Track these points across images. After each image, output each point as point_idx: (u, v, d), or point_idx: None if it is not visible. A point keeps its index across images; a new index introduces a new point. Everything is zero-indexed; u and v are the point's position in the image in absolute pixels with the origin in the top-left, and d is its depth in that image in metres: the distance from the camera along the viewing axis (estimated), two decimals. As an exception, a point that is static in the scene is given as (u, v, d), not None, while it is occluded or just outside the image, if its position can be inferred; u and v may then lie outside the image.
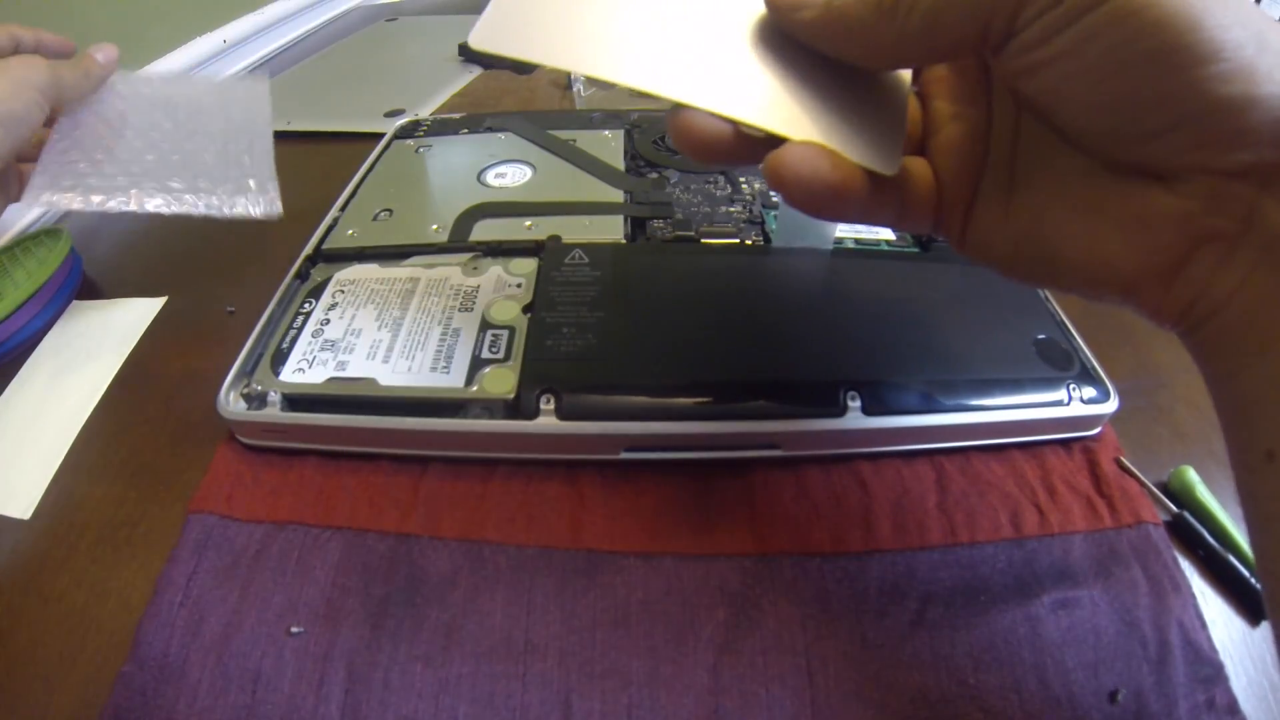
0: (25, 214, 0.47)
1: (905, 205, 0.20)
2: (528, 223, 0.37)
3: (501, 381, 0.28)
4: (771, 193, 0.40)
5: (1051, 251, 0.19)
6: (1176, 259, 0.17)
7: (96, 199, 0.32)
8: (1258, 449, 0.16)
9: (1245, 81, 0.15)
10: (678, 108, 0.18)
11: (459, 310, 0.32)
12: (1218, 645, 0.24)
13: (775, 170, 0.18)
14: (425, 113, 0.58)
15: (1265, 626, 0.25)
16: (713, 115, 0.18)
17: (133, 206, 0.34)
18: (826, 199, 0.18)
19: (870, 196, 0.18)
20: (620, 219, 0.37)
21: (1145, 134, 0.16)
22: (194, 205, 0.35)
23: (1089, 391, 0.30)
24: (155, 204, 0.34)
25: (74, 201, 0.32)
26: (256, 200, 0.37)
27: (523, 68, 0.67)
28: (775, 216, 0.37)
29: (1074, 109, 0.17)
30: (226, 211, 0.35)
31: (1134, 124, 0.16)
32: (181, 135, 0.38)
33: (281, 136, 0.39)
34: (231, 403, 0.29)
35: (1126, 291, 0.18)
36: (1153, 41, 0.15)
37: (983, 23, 0.16)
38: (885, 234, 0.37)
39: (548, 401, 0.28)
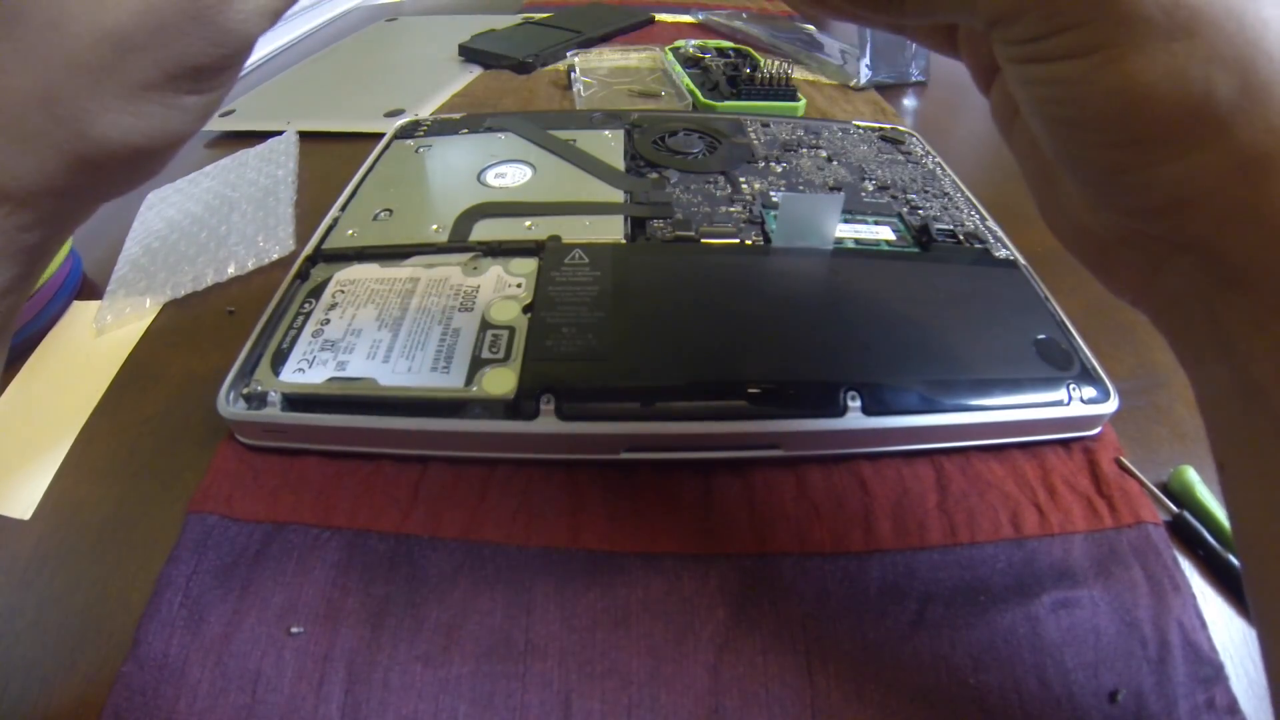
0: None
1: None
2: (528, 223, 0.37)
3: (501, 381, 0.28)
4: (771, 193, 0.40)
5: (1031, 189, 0.20)
6: (1105, 265, 0.18)
7: None
8: (1216, 458, 0.17)
9: (1159, 171, 0.14)
10: None
11: (459, 310, 0.32)
12: (1218, 645, 0.24)
13: None
14: (425, 113, 0.58)
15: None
16: None
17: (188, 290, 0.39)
18: None
19: None
20: (620, 219, 0.37)
21: (1081, 181, 0.17)
22: (235, 270, 0.40)
23: (1089, 391, 0.30)
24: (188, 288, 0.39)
25: None
26: (273, 241, 0.42)
27: (523, 67, 0.67)
28: (775, 216, 0.37)
29: (1034, 128, 0.17)
30: (250, 265, 0.41)
31: (1070, 171, 0.17)
32: (227, 208, 0.43)
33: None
34: (231, 403, 0.29)
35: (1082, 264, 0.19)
36: (1099, 110, 0.15)
37: (966, 13, 0.16)
38: (885, 234, 0.37)
39: (548, 401, 0.28)
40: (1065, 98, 0.15)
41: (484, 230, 0.37)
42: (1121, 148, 0.15)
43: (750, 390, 0.28)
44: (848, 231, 0.37)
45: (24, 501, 0.29)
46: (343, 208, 0.40)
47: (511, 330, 0.31)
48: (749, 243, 0.36)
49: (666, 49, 0.68)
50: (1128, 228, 0.17)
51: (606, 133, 0.46)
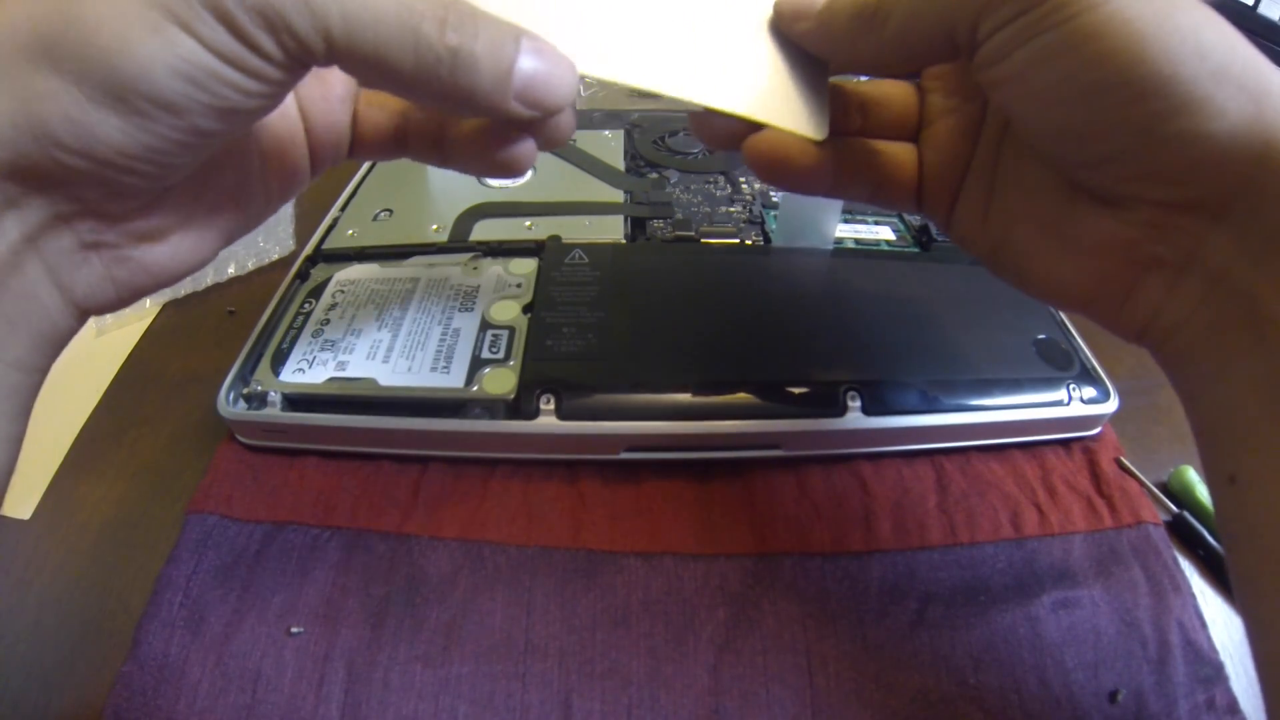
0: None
1: (880, 184, 0.21)
2: (528, 223, 0.37)
3: (501, 381, 0.28)
4: (771, 193, 0.40)
5: (1018, 262, 0.20)
6: (1124, 285, 0.18)
7: None
8: (1220, 472, 0.17)
9: (1191, 117, 0.14)
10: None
11: (459, 310, 0.32)
12: (1218, 645, 0.24)
13: (748, 149, 0.20)
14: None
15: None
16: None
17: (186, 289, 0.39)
18: (788, 172, 0.20)
19: (827, 171, 0.20)
20: (620, 219, 0.37)
21: (1089, 161, 0.17)
22: (235, 270, 0.40)
23: (1089, 391, 0.30)
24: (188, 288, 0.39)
25: None
26: (273, 241, 0.42)
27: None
28: (775, 216, 0.37)
29: (1028, 127, 0.17)
30: (250, 265, 0.40)
31: (1079, 150, 0.17)
32: None
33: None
34: (231, 403, 0.29)
35: (1085, 309, 0.19)
36: (1097, 74, 0.15)
37: (948, 34, 0.17)
38: (885, 234, 0.37)
39: (548, 401, 0.28)
40: (1088, 57, 0.15)
41: (484, 230, 0.37)
42: (1159, 96, 0.14)
43: (750, 390, 0.28)
44: (848, 231, 0.37)
45: (24, 501, 0.29)
46: (343, 208, 0.40)
47: (511, 330, 0.31)
48: (749, 243, 0.36)
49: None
50: (1165, 209, 0.16)
51: (606, 133, 0.46)
